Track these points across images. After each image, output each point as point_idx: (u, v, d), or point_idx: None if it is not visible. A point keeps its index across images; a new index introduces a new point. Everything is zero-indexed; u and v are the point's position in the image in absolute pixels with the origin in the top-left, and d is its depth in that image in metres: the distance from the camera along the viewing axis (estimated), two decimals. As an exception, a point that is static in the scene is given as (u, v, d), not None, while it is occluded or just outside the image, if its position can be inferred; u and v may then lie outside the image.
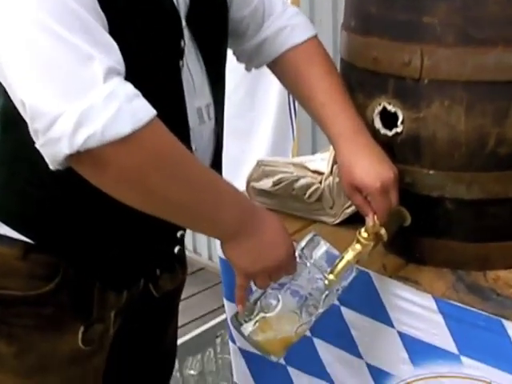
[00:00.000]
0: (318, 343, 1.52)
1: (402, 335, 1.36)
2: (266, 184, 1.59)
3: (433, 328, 1.31)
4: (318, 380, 1.55)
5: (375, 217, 1.24)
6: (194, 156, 1.03)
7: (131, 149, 0.96)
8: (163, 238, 1.23)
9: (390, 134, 1.26)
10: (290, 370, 1.59)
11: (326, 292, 1.23)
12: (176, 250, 1.29)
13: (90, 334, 1.26)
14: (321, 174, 1.57)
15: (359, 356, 1.45)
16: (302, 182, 1.55)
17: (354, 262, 1.25)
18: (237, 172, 1.84)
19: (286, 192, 1.56)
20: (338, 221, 1.53)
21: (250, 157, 2.20)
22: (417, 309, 1.32)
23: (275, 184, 1.57)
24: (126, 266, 1.23)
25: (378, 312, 1.38)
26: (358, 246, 1.26)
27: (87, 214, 1.15)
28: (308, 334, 1.49)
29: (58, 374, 1.27)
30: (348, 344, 1.46)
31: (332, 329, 1.46)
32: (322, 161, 1.63)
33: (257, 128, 2.19)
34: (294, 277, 1.21)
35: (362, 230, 1.26)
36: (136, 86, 0.98)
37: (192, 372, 2.09)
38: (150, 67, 1.07)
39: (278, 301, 1.22)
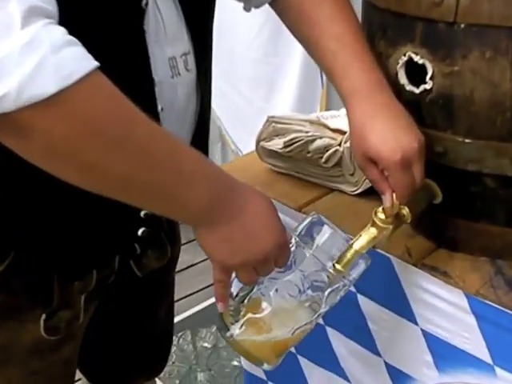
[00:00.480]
0: (332, 333, 1.30)
1: (426, 334, 1.13)
2: (277, 144, 1.35)
3: (463, 330, 1.07)
4: (331, 374, 1.34)
5: (394, 196, 1.00)
6: (149, 120, 0.80)
7: (59, 113, 0.73)
8: (121, 218, 1.01)
9: (416, 91, 1.01)
10: (301, 359, 1.39)
11: (331, 287, 1.00)
12: (140, 232, 1.07)
13: (53, 322, 1.08)
14: (343, 133, 1.33)
15: (377, 353, 1.23)
16: (319, 143, 1.31)
17: (367, 250, 1.02)
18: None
19: (300, 155, 1.33)
20: (359, 190, 1.29)
21: (276, 108, 1.96)
22: (445, 306, 1.08)
23: (287, 145, 1.33)
24: (77, 250, 1.02)
25: (400, 305, 1.15)
26: (372, 230, 1.02)
27: (26, 188, 0.94)
28: (321, 321, 1.28)
29: (19, 366, 1.11)
30: (364, 338, 1.24)
31: (347, 318, 1.24)
32: (346, 117, 1.38)
33: (283, 75, 1.94)
34: (290, 269, 0.99)
35: (379, 209, 1.03)
36: (77, 31, 0.75)
37: (206, 344, 1.90)
38: (97, 6, 0.84)
39: (270, 298, 0.99)
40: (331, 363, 1.32)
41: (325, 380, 1.35)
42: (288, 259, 0.96)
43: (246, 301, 1.00)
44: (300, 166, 1.35)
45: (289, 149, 1.33)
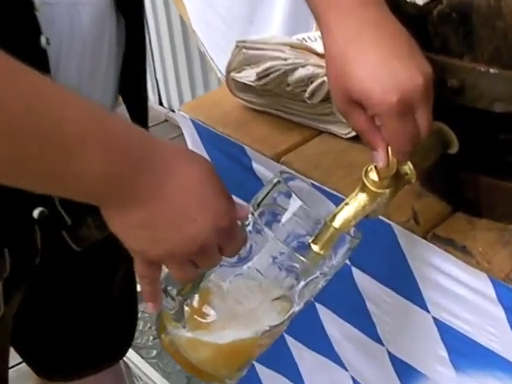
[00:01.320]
0: (323, 312, 1.04)
1: (439, 325, 0.87)
2: (249, 76, 1.07)
3: (488, 324, 0.81)
4: (324, 359, 1.09)
5: (389, 152, 0.72)
6: (15, 63, 0.53)
7: None
8: (11, 197, 0.74)
9: (420, 2, 0.72)
10: (289, 339, 1.14)
11: (305, 278, 0.73)
12: (36, 213, 0.81)
13: None
14: (334, 58, 1.03)
15: (378, 341, 0.97)
16: (301, 72, 1.01)
17: (355, 222, 0.75)
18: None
19: (278, 88, 1.04)
20: (354, 133, 1.01)
21: (264, 26, 1.65)
22: (464, 291, 0.81)
23: (260, 77, 1.04)
24: None
25: (405, 286, 0.89)
26: (362, 197, 0.75)
27: None
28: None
29: None
30: (362, 321, 0.98)
31: (340, 295, 0.98)
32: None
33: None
34: (248, 255, 0.72)
35: (371, 168, 0.75)
36: None
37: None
38: None
39: (224, 293, 0.73)
40: (323, 346, 1.07)
41: (317, 365, 1.11)
42: (239, 246, 0.69)
43: (189, 300, 0.74)
44: (279, 101, 1.07)
45: (263, 81, 1.04)
